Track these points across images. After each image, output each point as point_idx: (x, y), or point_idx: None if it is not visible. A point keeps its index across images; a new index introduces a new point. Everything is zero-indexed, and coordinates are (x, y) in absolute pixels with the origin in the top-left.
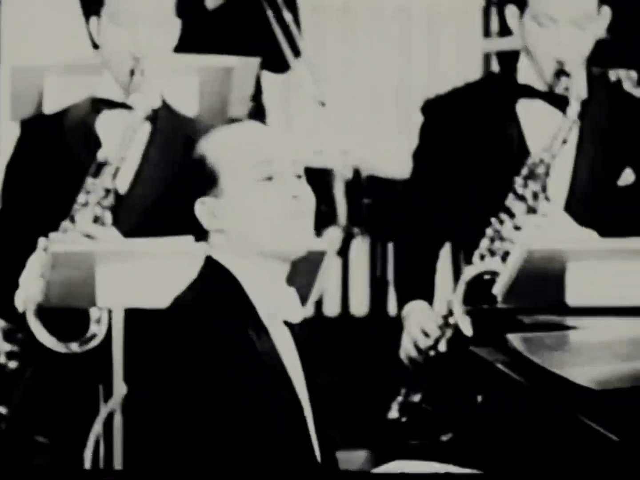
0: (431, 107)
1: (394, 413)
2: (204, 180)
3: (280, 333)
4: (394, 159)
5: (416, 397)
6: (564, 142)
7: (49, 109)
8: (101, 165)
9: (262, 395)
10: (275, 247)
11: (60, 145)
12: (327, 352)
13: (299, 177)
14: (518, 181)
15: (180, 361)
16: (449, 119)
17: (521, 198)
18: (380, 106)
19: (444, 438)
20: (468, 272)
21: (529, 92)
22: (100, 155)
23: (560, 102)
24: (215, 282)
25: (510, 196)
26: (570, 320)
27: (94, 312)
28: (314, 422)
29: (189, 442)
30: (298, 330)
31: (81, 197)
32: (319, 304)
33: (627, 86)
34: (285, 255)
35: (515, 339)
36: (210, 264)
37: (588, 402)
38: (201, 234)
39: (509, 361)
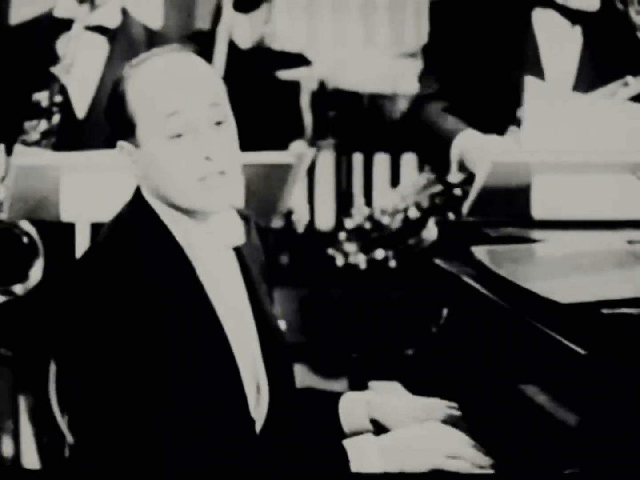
0: (439, 11)
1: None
2: (124, 125)
3: (218, 264)
4: (359, 71)
5: None
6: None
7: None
8: (37, 104)
9: (184, 345)
10: (188, 206)
11: (23, 58)
12: (293, 266)
13: (219, 123)
14: None
15: (98, 310)
16: (458, 25)
17: None
18: (347, 18)
19: (409, 352)
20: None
21: (546, 1)
22: (35, 96)
23: (572, 15)
24: (140, 223)
25: None
26: (535, 234)
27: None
28: (260, 346)
29: (118, 387)
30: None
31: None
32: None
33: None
34: (201, 212)
35: (480, 252)
36: (137, 199)
37: (553, 315)
38: None
39: (475, 274)
